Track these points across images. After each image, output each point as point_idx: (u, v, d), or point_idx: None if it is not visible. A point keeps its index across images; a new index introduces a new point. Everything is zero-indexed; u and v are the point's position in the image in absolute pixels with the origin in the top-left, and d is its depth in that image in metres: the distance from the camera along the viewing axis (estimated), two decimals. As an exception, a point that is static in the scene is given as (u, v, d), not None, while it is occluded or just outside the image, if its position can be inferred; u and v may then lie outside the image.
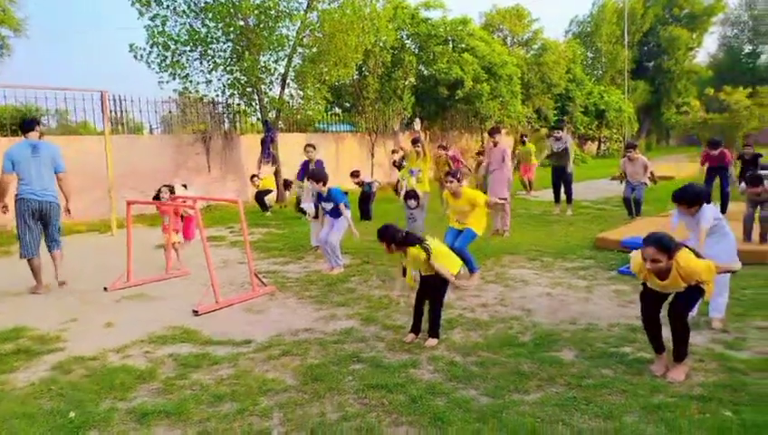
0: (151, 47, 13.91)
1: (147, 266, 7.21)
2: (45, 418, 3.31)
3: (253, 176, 13.51)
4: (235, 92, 14.64)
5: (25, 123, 6.39)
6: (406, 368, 3.93)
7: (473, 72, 16.89)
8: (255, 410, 3.38)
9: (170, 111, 14.68)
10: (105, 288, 6.37)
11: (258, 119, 15.16)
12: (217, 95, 15.04)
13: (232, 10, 13.57)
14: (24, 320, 5.22)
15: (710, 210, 4.43)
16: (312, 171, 7.18)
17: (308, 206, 7.99)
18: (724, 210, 9.17)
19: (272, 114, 14.69)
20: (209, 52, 14.14)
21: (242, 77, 14.50)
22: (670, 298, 3.72)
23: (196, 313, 5.36)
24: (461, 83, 16.71)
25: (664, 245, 3.45)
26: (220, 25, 13.78)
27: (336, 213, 6.95)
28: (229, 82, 14.47)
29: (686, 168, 18.80)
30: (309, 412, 3.33)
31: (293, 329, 4.86)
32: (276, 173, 14.17)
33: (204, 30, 13.94)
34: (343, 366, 4.01)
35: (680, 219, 4.65)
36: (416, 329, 4.51)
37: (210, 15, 13.74)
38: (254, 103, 14.91)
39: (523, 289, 5.91)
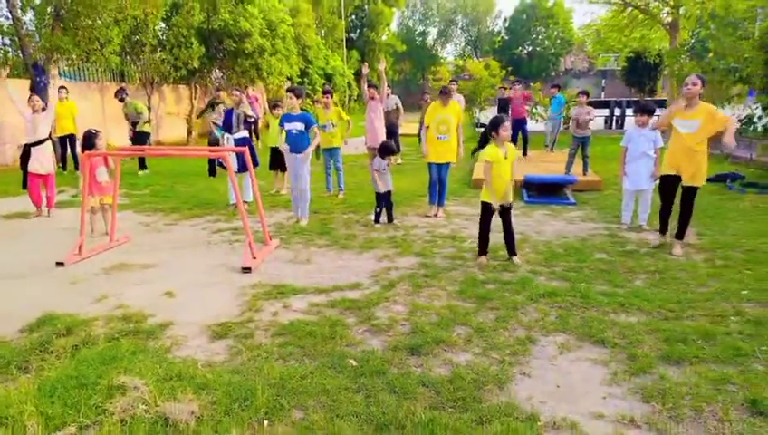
0: None
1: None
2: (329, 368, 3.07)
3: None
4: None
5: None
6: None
7: (259, 26, 16.60)
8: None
9: None
10: (61, 263, 5.06)
11: (19, 58, 12.08)
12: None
13: None
14: (36, 306, 3.99)
15: None
16: (291, 87, 6.76)
17: (233, 163, 7.39)
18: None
19: (40, 57, 11.91)
20: None
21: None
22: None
23: (248, 269, 4.89)
24: (248, 36, 16.28)
25: None
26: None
27: (301, 145, 6.64)
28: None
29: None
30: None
31: (374, 270, 4.98)
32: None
33: None
34: (480, 288, 4.52)
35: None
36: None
37: None
38: (12, 39, 11.86)
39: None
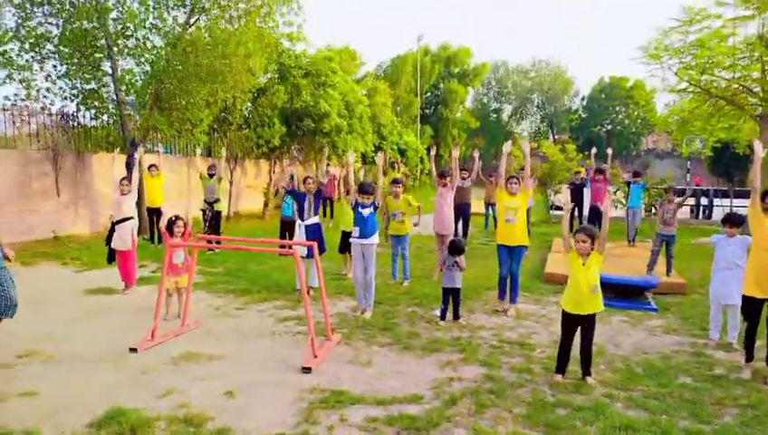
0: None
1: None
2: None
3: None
4: (94, 104, 12.61)
5: None
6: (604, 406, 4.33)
7: (337, 107, 17.41)
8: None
9: (15, 123, 11.85)
10: (134, 349, 5.24)
11: (119, 135, 13.15)
12: (65, 106, 12.78)
13: (69, 8, 11.84)
14: (106, 397, 4.10)
15: None
16: (362, 185, 6.87)
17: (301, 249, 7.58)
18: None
19: (138, 134, 12.91)
20: (47, 52, 11.99)
21: (101, 88, 12.64)
22: None
23: (308, 370, 4.86)
24: (327, 116, 17.06)
25: None
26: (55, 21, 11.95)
27: (370, 229, 6.69)
28: (84, 91, 12.47)
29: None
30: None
31: (436, 378, 4.81)
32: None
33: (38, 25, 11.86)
34: (550, 413, 4.23)
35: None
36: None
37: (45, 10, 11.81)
38: (115, 119, 13.02)
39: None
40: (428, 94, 44.75)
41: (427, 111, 44.29)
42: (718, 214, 11.85)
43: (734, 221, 5.80)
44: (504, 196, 7.07)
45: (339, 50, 24.24)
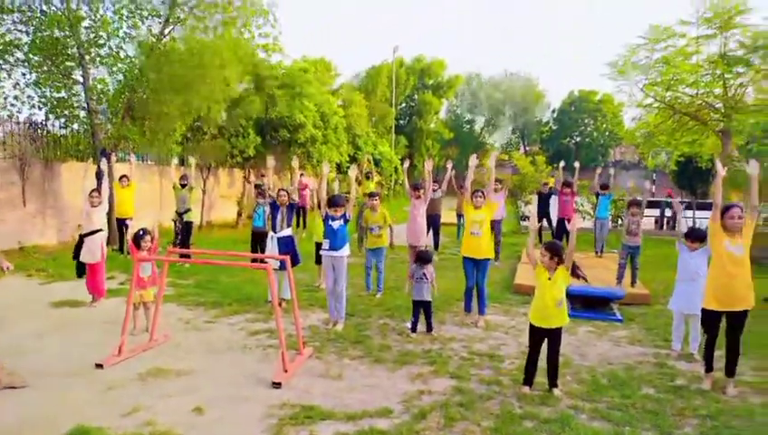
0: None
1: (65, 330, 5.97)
2: None
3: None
4: (64, 113, 12.40)
5: None
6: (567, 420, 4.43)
7: (312, 118, 17.42)
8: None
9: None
10: (100, 365, 5.17)
11: (90, 144, 12.94)
12: (33, 114, 12.54)
13: (40, 16, 11.71)
14: (71, 414, 4.03)
15: None
16: (332, 198, 6.87)
17: (273, 261, 7.56)
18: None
19: (109, 143, 12.72)
20: (16, 60, 11.80)
21: (72, 96, 12.44)
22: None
23: (278, 385, 4.85)
24: (302, 127, 17.07)
25: None
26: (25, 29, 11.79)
27: (340, 241, 6.71)
28: (54, 100, 12.25)
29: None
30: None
31: (406, 392, 4.85)
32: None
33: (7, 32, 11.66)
34: (517, 425, 4.30)
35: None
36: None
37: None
38: (86, 128, 12.81)
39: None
40: (403, 105, 45.12)
41: (401, 121, 44.61)
42: (683, 224, 12.16)
43: (696, 236, 5.99)
44: (469, 209, 7.18)
45: (314, 61, 24.34)
